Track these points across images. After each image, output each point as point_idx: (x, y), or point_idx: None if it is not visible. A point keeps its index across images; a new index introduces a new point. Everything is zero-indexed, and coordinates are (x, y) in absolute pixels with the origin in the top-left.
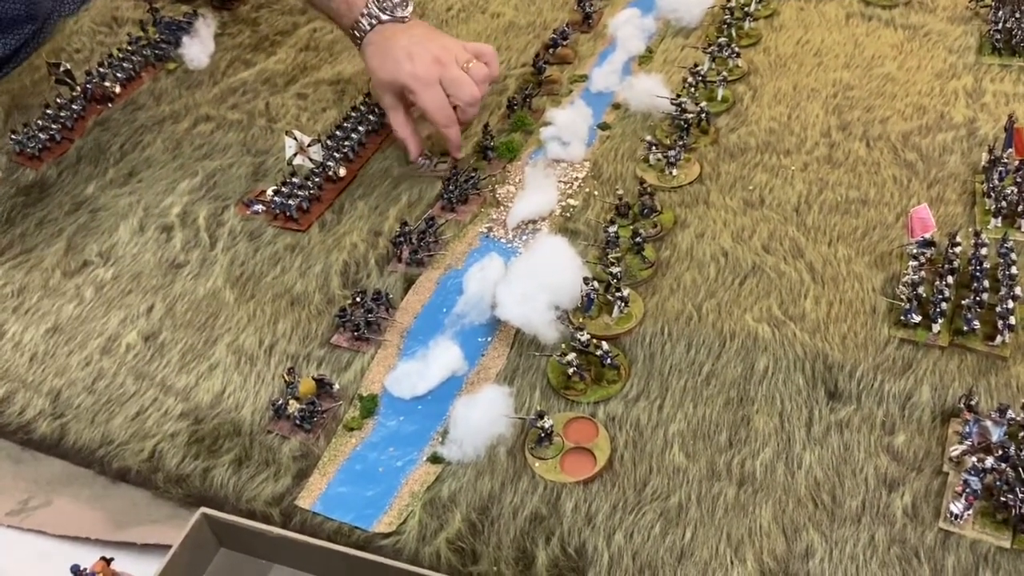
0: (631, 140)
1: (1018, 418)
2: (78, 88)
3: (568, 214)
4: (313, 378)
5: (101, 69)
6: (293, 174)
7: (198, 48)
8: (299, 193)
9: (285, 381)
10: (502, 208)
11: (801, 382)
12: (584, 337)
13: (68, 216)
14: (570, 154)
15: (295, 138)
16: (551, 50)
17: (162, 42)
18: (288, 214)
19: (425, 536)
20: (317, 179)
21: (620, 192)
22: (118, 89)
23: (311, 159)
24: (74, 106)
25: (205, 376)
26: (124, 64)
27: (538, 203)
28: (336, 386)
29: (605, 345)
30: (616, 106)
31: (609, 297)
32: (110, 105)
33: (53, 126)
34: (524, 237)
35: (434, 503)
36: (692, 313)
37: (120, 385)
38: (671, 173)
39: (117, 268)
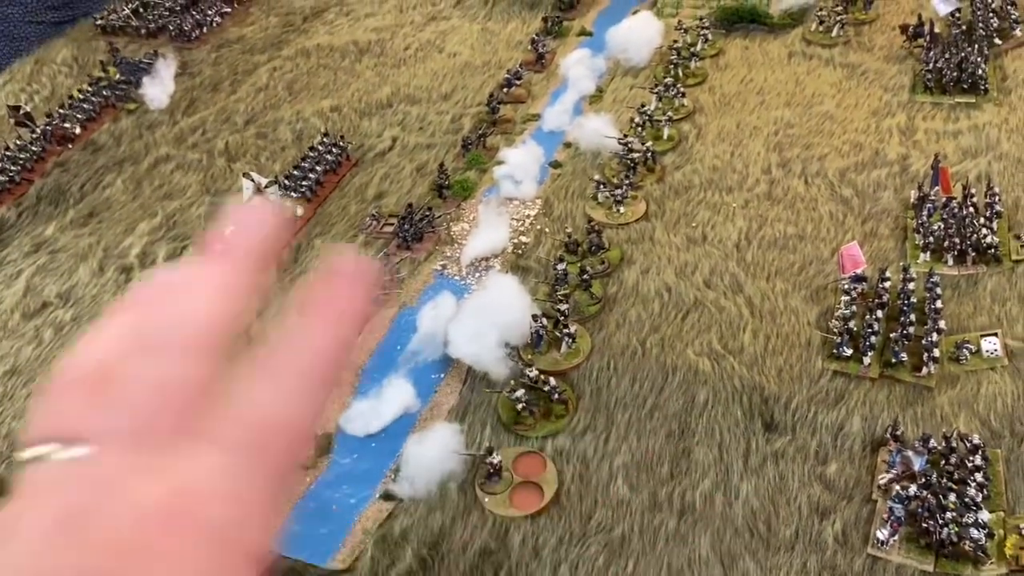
0: (581, 178)
1: (940, 447)
2: (38, 130)
3: (520, 251)
4: None
5: (61, 110)
6: None
7: (158, 88)
8: None
9: None
10: (456, 246)
11: (739, 414)
12: (532, 373)
13: (27, 257)
14: (522, 192)
15: (252, 180)
16: (505, 90)
17: (122, 82)
18: None
19: (377, 573)
20: None
21: (569, 230)
22: (78, 130)
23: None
24: (33, 147)
25: None
26: (84, 105)
27: (491, 241)
28: None
29: (553, 380)
30: (567, 145)
31: (557, 333)
32: (70, 146)
33: (12, 168)
34: (478, 274)
35: (386, 540)
36: (637, 348)
37: None
38: (619, 211)
39: (77, 309)
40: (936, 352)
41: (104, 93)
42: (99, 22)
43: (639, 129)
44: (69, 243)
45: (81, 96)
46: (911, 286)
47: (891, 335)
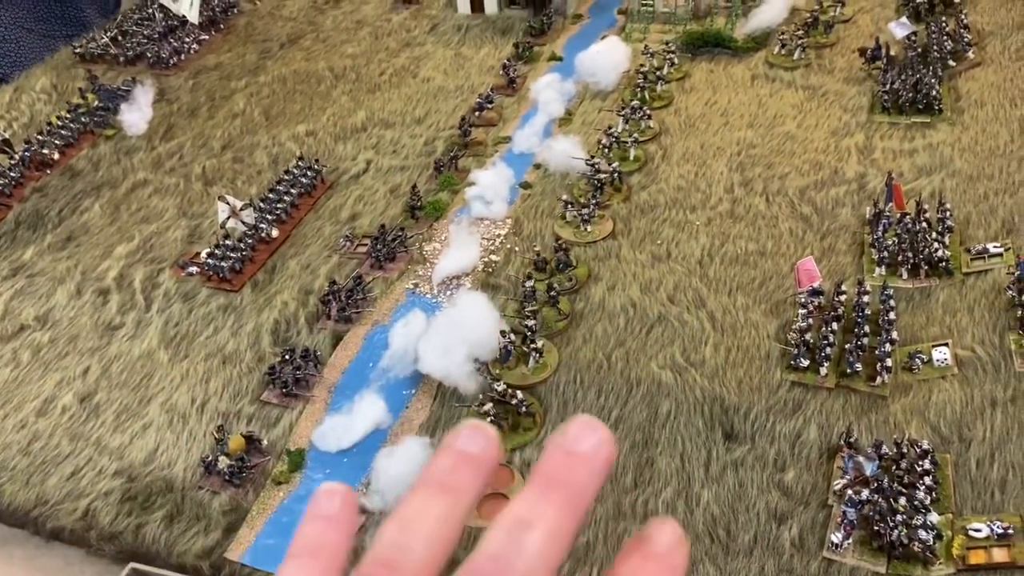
0: (550, 198)
1: (891, 453)
2: (16, 156)
3: (490, 269)
4: (242, 434)
5: (40, 137)
6: (227, 236)
7: (136, 114)
8: (232, 255)
9: (215, 438)
10: (428, 265)
11: (700, 424)
12: (500, 387)
13: (5, 281)
14: (493, 212)
15: (228, 202)
16: (477, 113)
17: (101, 109)
18: (221, 275)
19: None
20: (250, 240)
21: (537, 248)
22: (56, 156)
23: (243, 222)
24: (12, 173)
25: (139, 435)
26: (63, 131)
27: (462, 260)
28: (265, 442)
29: (520, 394)
30: (537, 166)
31: (525, 349)
32: (48, 172)
33: None
34: (449, 292)
35: (357, 553)
36: (602, 362)
37: (55, 446)
38: (586, 229)
39: (54, 331)
40: (889, 362)
41: (82, 119)
42: (78, 50)
43: (606, 150)
44: (47, 267)
45: (59, 123)
46: (866, 299)
47: (846, 346)
